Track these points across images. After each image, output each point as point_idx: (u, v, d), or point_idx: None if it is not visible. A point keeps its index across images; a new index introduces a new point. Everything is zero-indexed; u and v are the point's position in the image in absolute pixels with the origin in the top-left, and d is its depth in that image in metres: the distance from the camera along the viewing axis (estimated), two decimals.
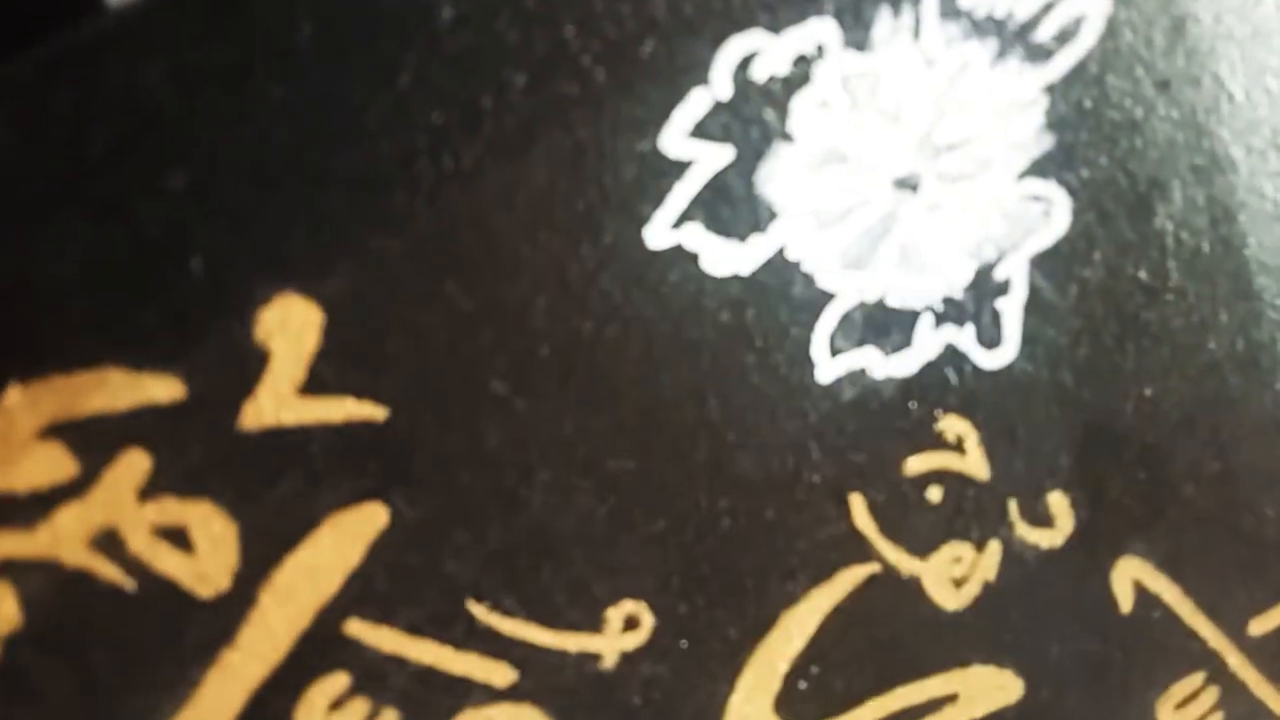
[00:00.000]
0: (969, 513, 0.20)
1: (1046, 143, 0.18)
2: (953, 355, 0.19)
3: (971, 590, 0.21)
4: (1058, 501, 0.21)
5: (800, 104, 0.17)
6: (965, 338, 0.19)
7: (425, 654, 0.19)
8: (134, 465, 0.16)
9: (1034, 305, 0.19)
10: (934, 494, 0.20)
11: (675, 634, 0.20)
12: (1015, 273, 0.19)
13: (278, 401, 0.16)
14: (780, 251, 0.18)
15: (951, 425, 0.20)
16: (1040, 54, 0.18)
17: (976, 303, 0.19)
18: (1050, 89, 0.18)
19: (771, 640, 0.20)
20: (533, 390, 0.17)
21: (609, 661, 0.19)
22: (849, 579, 0.20)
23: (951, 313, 0.19)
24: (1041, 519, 0.21)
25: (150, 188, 0.15)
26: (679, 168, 0.17)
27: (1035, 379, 0.20)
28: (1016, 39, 0.17)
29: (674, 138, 0.16)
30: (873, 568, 0.20)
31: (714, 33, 0.16)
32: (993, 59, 0.17)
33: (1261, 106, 0.19)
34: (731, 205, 0.17)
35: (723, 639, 0.20)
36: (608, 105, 0.16)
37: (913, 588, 0.20)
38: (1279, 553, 0.23)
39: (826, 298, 0.18)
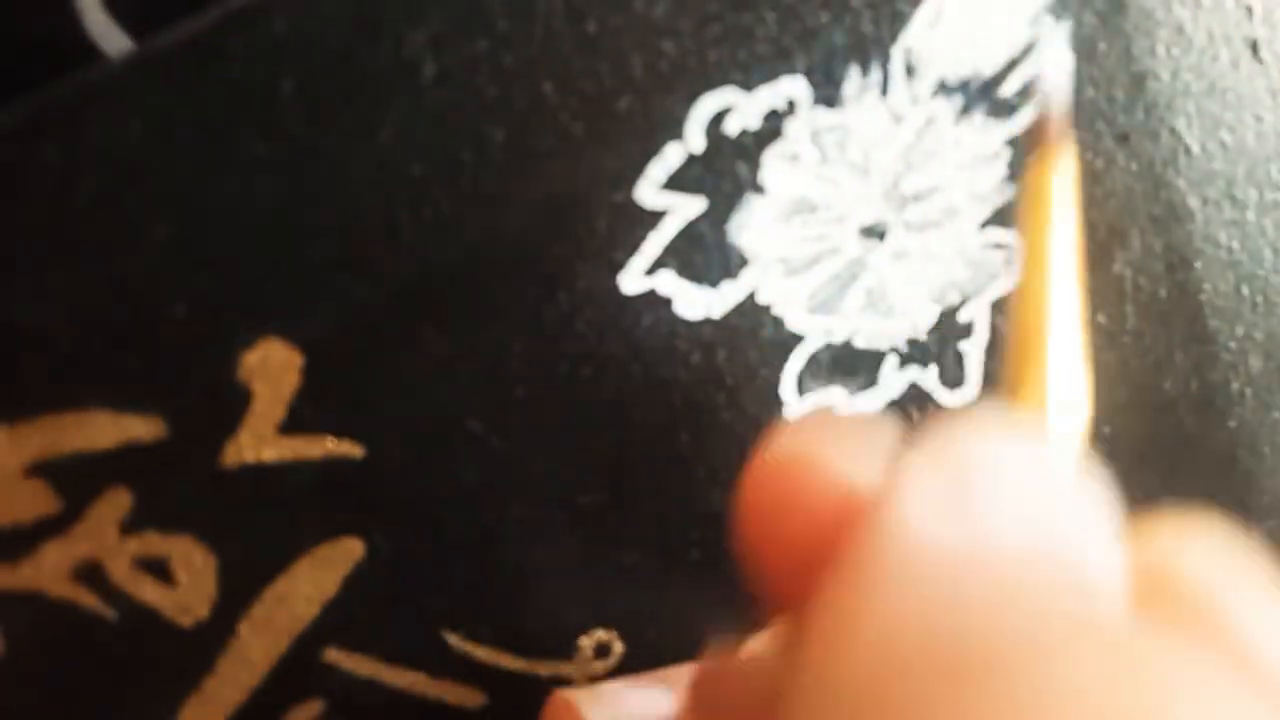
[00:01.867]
0: None
1: (1009, 193, 0.19)
2: (917, 394, 0.20)
3: None
4: None
5: (771, 157, 0.17)
6: (929, 378, 0.20)
7: (399, 680, 0.19)
8: (116, 501, 0.16)
9: (996, 347, 0.20)
10: None
11: (644, 661, 0.20)
12: (978, 316, 0.20)
13: (258, 440, 0.17)
14: (751, 296, 0.18)
15: None
16: (1004, 109, 0.18)
17: (940, 345, 0.20)
18: (1013, 142, 0.18)
19: None
20: (508, 429, 0.18)
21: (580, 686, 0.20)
22: None
23: (916, 354, 0.20)
24: None
25: (135, 237, 0.15)
26: (653, 217, 0.17)
27: None
28: (981, 95, 0.18)
29: (649, 189, 0.17)
30: None
31: (688, 89, 0.17)
32: (958, 114, 0.18)
33: (1217, 159, 0.20)
34: (704, 252, 0.18)
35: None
36: (585, 158, 0.16)
37: None
38: None
39: (795, 339, 0.19)
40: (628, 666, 0.20)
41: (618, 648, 0.20)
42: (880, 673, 0.10)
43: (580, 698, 0.18)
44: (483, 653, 0.19)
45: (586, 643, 0.20)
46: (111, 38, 0.16)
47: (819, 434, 0.12)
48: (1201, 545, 0.12)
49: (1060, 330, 0.13)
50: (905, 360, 0.20)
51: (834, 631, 0.10)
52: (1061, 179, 0.14)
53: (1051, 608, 0.10)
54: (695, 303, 0.18)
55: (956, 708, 0.09)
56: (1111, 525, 0.11)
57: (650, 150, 0.17)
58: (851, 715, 0.10)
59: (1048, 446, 0.12)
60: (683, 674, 0.19)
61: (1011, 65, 0.18)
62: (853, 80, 0.17)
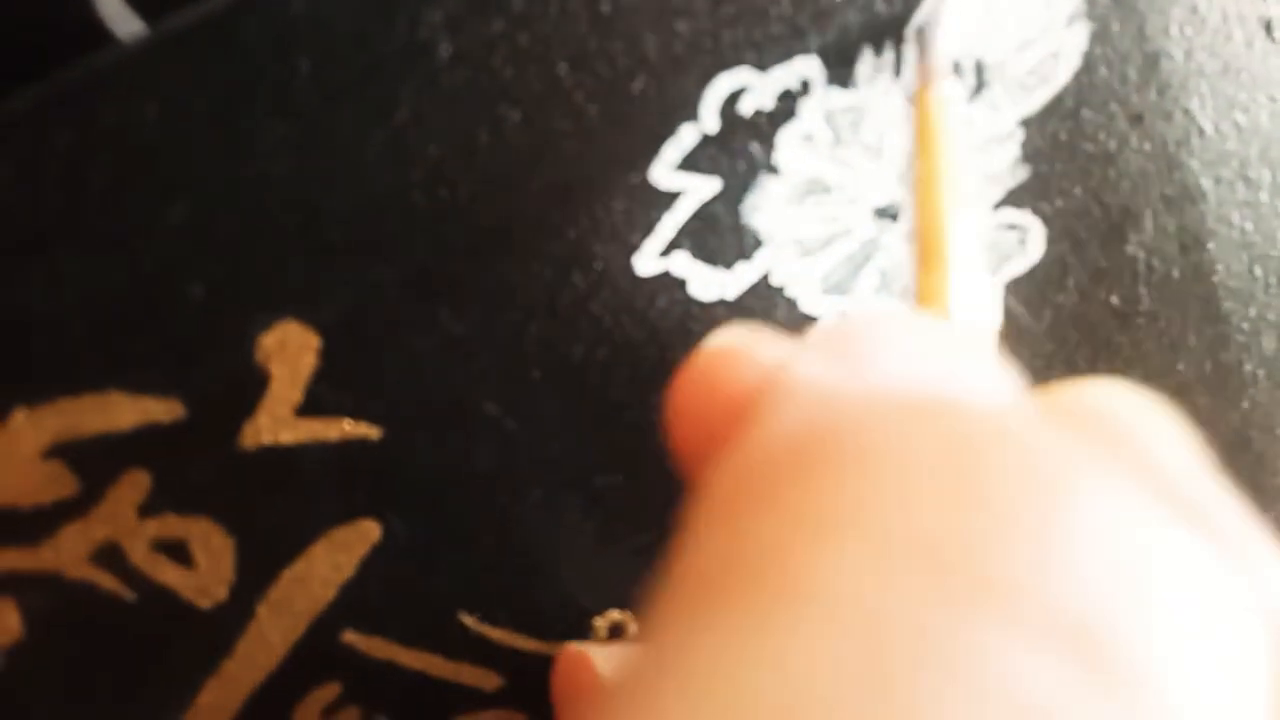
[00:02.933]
0: None
1: (1022, 174, 0.19)
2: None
3: None
4: None
5: (785, 138, 0.17)
6: None
7: (416, 662, 0.19)
8: (135, 483, 0.17)
9: (1009, 329, 0.20)
10: None
11: None
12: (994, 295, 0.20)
13: (276, 422, 0.17)
14: (765, 277, 0.18)
15: None
16: (1017, 89, 0.18)
17: None
18: (1027, 123, 0.18)
19: None
20: (524, 411, 0.18)
21: None
22: None
23: None
24: None
25: (151, 220, 0.15)
26: (668, 198, 0.17)
27: None
28: (994, 75, 0.18)
29: (663, 170, 0.17)
30: None
31: (702, 70, 0.17)
32: (971, 95, 0.18)
33: (1230, 139, 0.20)
34: (718, 234, 0.18)
35: None
36: (599, 139, 0.16)
37: None
38: None
39: (809, 321, 0.19)
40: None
41: (632, 629, 0.20)
42: (748, 472, 0.10)
43: (593, 650, 0.19)
44: (499, 634, 0.19)
45: (601, 624, 0.20)
46: (124, 21, 0.16)
47: (743, 336, 0.13)
48: (1121, 391, 0.12)
49: (958, 245, 0.14)
50: None
51: (721, 460, 0.11)
52: (942, 110, 0.15)
53: (927, 412, 0.10)
54: (709, 284, 0.18)
55: (813, 488, 0.10)
56: (1010, 381, 0.11)
57: (665, 131, 0.17)
58: (721, 512, 0.10)
59: (943, 325, 0.12)
60: None
61: (1025, 44, 0.18)
62: (866, 60, 0.17)
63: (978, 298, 0.14)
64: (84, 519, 0.16)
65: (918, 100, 0.15)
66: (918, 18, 0.16)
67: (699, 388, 0.13)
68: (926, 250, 0.14)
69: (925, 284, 0.14)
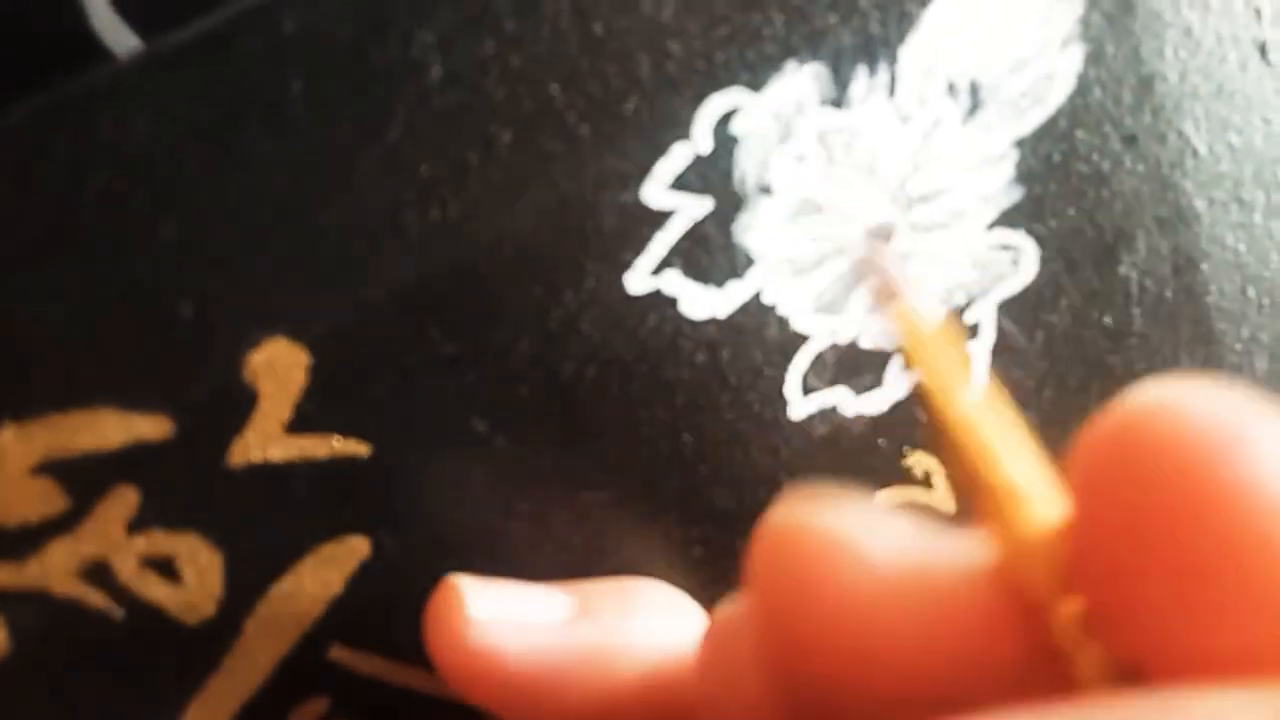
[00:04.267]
0: None
1: (1016, 194, 0.19)
2: (923, 395, 0.20)
3: None
4: None
5: (778, 158, 0.17)
6: None
7: (404, 677, 0.19)
8: (124, 500, 0.16)
9: (1002, 349, 0.20)
10: None
11: None
12: (984, 318, 0.20)
13: (265, 439, 0.17)
14: (756, 296, 0.18)
15: (919, 461, 0.20)
16: (1011, 110, 0.18)
17: None
18: (1021, 143, 0.18)
19: None
20: (513, 428, 0.18)
21: None
22: None
23: None
24: None
25: (142, 236, 0.15)
26: (659, 217, 0.17)
27: None
28: (988, 96, 0.18)
29: (655, 189, 0.17)
30: None
31: (695, 90, 0.17)
32: (965, 115, 0.18)
33: (1224, 161, 0.20)
34: (710, 253, 0.18)
35: None
36: (591, 159, 0.16)
37: None
38: None
39: (800, 340, 0.19)
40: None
41: None
42: None
43: (468, 583, 0.18)
44: None
45: None
46: (119, 36, 0.16)
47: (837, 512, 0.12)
48: None
49: (1008, 450, 0.13)
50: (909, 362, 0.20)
51: None
52: (923, 325, 0.14)
53: None
54: (700, 303, 0.18)
55: None
56: None
57: (657, 151, 0.17)
58: None
59: None
60: (593, 589, 0.19)
61: (1020, 65, 0.18)
62: (860, 80, 0.17)
63: (1048, 495, 0.12)
64: (72, 535, 0.16)
65: (898, 328, 0.15)
66: (862, 249, 0.16)
67: (789, 584, 0.11)
68: (976, 469, 0.13)
69: (997, 522, 0.12)
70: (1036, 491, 0.12)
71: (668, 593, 0.19)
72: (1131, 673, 0.10)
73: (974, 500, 0.13)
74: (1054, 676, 0.11)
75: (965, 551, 0.12)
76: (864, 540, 0.11)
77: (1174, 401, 0.10)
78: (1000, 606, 0.11)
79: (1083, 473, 0.10)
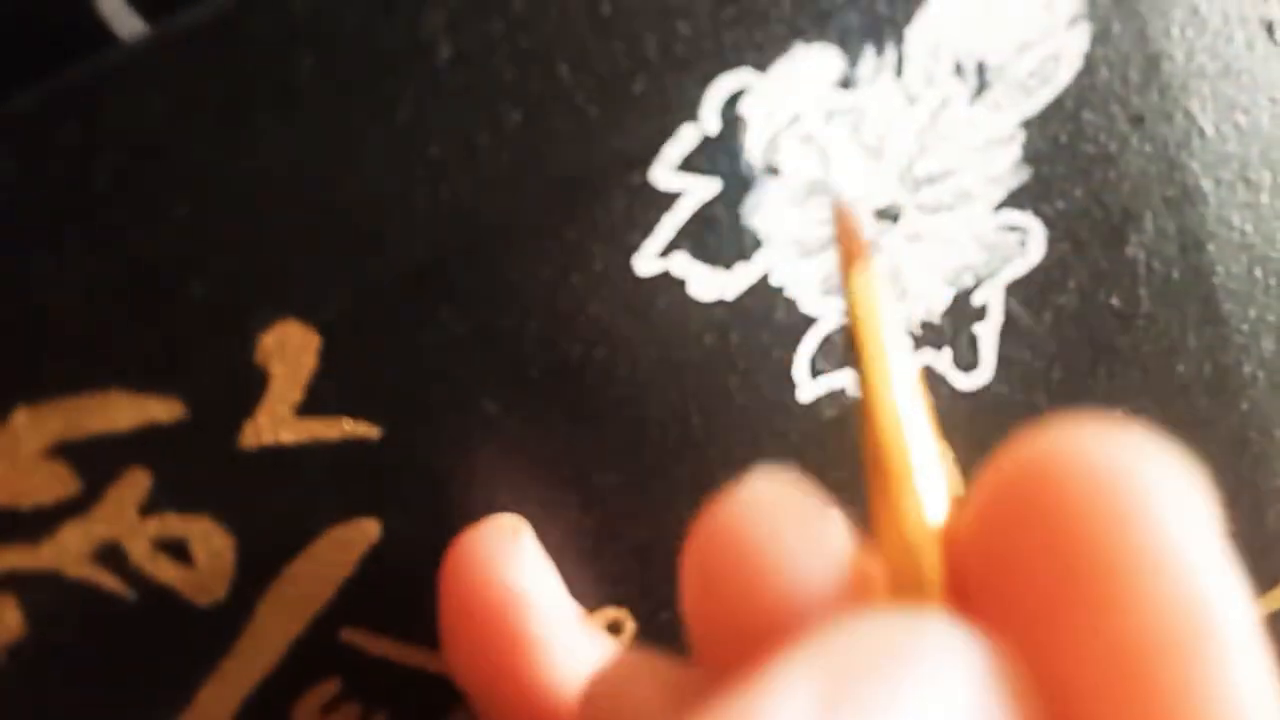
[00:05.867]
0: None
1: (1023, 175, 0.19)
2: (930, 377, 0.20)
3: None
4: None
5: (786, 139, 0.17)
6: (943, 361, 0.20)
7: (415, 658, 0.19)
8: (136, 482, 0.17)
9: (1010, 330, 0.20)
10: None
11: (656, 640, 0.20)
12: (992, 299, 0.20)
13: (276, 421, 0.17)
14: (764, 278, 0.18)
15: None
16: (1018, 91, 0.18)
17: (954, 328, 0.20)
18: (1028, 124, 0.18)
19: None
20: (523, 410, 0.18)
21: None
22: None
23: (930, 337, 0.20)
24: None
25: (152, 219, 0.15)
26: (668, 199, 0.17)
27: (1010, 401, 0.20)
28: (995, 77, 0.18)
29: (663, 171, 0.17)
30: None
31: (703, 71, 0.17)
32: (972, 96, 0.18)
33: (1231, 141, 0.20)
34: (718, 235, 0.18)
35: None
36: (600, 140, 0.16)
37: None
38: (1241, 563, 0.23)
39: (808, 322, 0.19)
40: (639, 645, 0.20)
41: (629, 626, 0.20)
42: None
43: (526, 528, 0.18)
44: None
45: (599, 621, 0.20)
46: (125, 21, 0.16)
47: (774, 519, 0.12)
48: None
49: (916, 443, 0.13)
50: (919, 343, 0.20)
51: None
52: (875, 294, 0.14)
53: None
54: (709, 285, 0.18)
55: None
56: None
57: (665, 132, 0.17)
58: None
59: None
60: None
61: (1026, 46, 0.18)
62: (867, 60, 0.17)
63: (939, 504, 0.13)
64: (85, 518, 0.16)
65: (847, 287, 0.15)
66: (836, 188, 0.16)
67: (716, 568, 0.12)
68: (881, 478, 0.13)
69: (883, 504, 0.13)
70: (931, 488, 0.13)
71: None
72: None
73: (870, 478, 0.13)
74: None
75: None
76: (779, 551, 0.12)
77: (1085, 443, 0.11)
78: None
79: (991, 486, 0.11)
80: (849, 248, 0.15)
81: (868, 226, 0.15)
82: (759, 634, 0.12)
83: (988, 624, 0.11)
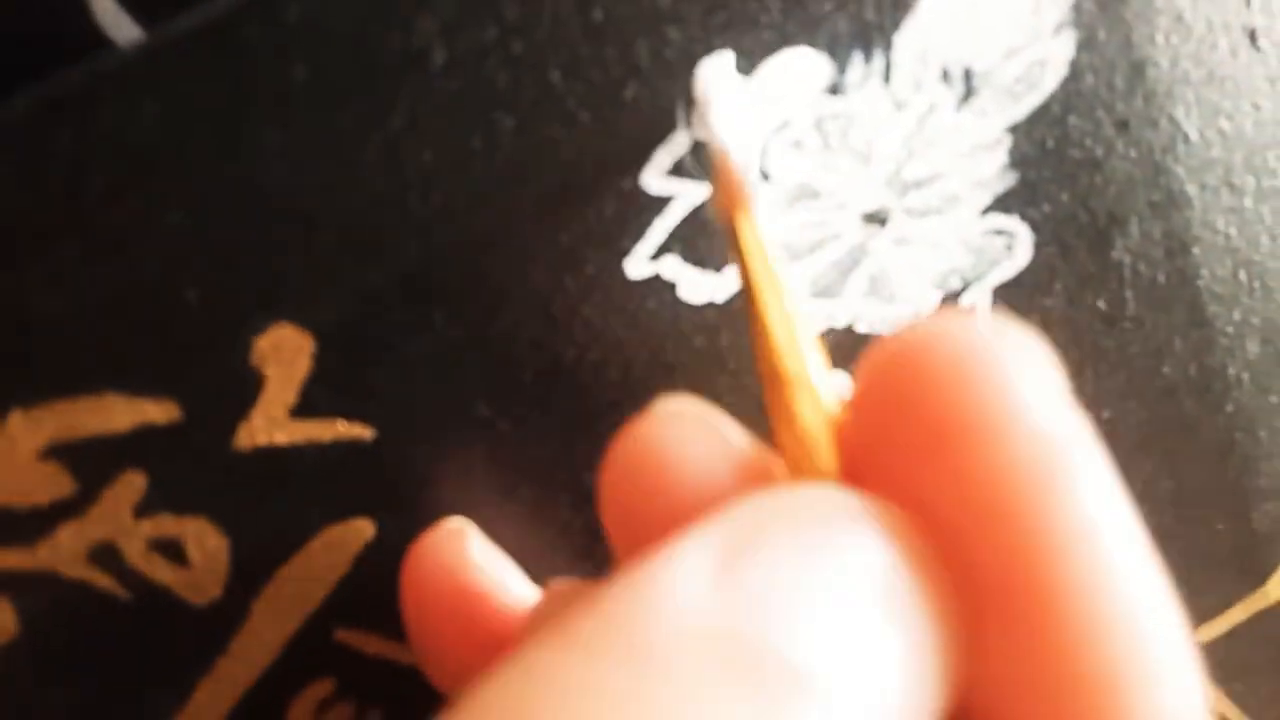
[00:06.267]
0: None
1: (1010, 180, 0.19)
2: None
3: None
4: None
5: (775, 144, 0.18)
6: None
7: (409, 657, 0.19)
8: (131, 484, 0.17)
9: None
10: None
11: None
12: (979, 302, 0.20)
13: (270, 423, 0.17)
14: None
15: None
16: (1005, 96, 0.18)
17: None
18: (1014, 129, 0.19)
19: None
20: (516, 412, 0.18)
21: None
22: None
23: None
24: None
25: (147, 223, 0.15)
26: (659, 203, 0.17)
27: None
28: (982, 83, 0.18)
29: (655, 175, 0.17)
30: None
31: (694, 77, 0.17)
32: (959, 102, 0.18)
33: (1215, 146, 0.20)
34: (708, 238, 0.18)
35: None
36: (592, 145, 0.17)
37: None
38: (1227, 566, 0.24)
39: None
40: None
41: None
42: None
43: (470, 527, 0.19)
44: None
45: None
46: (121, 26, 0.16)
47: (678, 427, 0.13)
48: None
49: (803, 349, 0.14)
50: None
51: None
52: (759, 235, 0.15)
53: None
54: (700, 287, 0.18)
55: None
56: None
57: (656, 137, 0.17)
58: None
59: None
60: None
61: (1013, 52, 0.18)
62: (856, 66, 0.17)
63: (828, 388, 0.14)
64: (80, 519, 0.17)
65: (731, 231, 0.15)
66: (706, 131, 0.16)
67: (627, 481, 0.13)
68: (776, 385, 0.14)
69: (778, 407, 0.14)
70: (818, 388, 0.14)
71: None
72: None
73: (766, 389, 0.14)
74: None
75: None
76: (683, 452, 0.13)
77: (948, 330, 0.12)
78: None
79: (866, 378, 0.13)
80: (730, 192, 0.16)
81: (748, 173, 0.15)
82: (665, 526, 0.12)
83: (871, 492, 0.12)
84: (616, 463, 0.13)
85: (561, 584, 0.17)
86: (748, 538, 0.11)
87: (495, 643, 0.18)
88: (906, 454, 0.12)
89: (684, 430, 0.13)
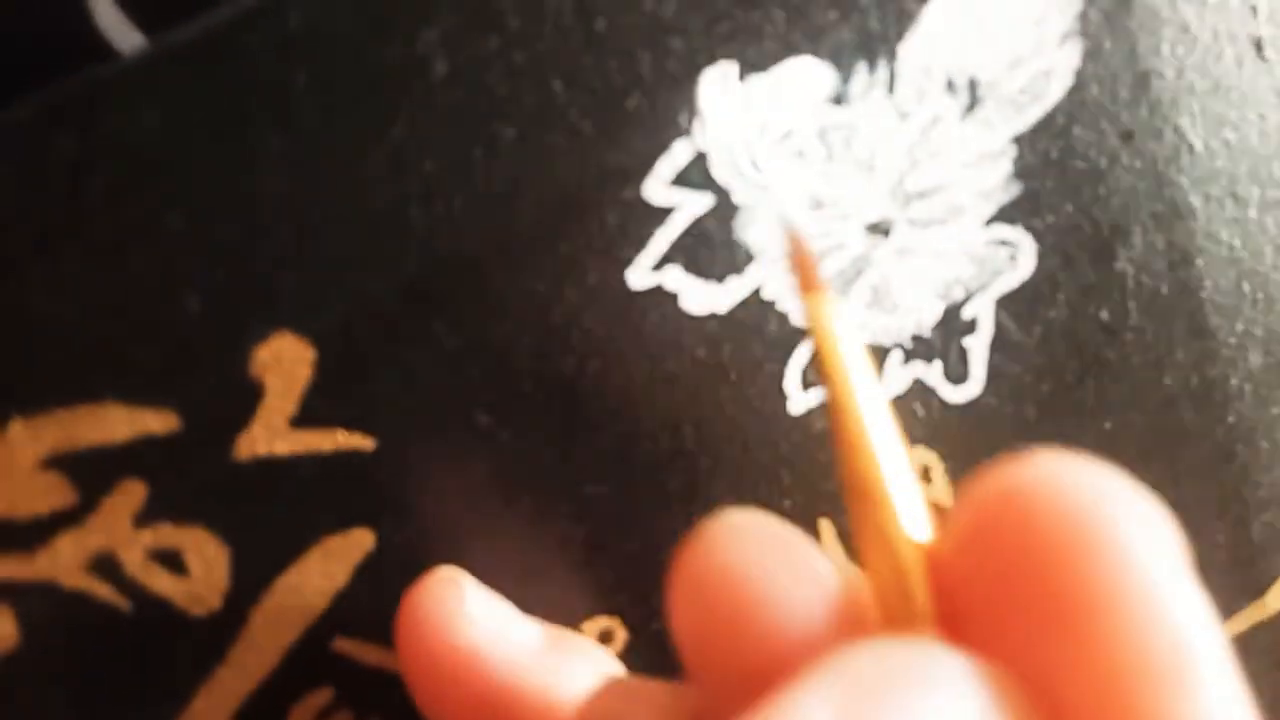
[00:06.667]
0: None
1: (1014, 190, 0.19)
2: (921, 390, 0.20)
3: None
4: None
5: (778, 154, 0.18)
6: (933, 373, 0.20)
7: None
8: (131, 493, 0.17)
9: (999, 343, 0.20)
10: None
11: (647, 649, 0.20)
12: (982, 312, 0.20)
13: (270, 433, 0.17)
14: (756, 292, 0.18)
15: (918, 456, 0.21)
16: (1009, 107, 0.18)
17: (944, 341, 0.20)
18: (1018, 140, 0.19)
19: None
20: (516, 422, 0.18)
21: None
22: None
23: (920, 350, 0.20)
24: None
25: (148, 231, 0.15)
26: (661, 213, 0.17)
27: (999, 413, 0.20)
28: (987, 93, 0.18)
29: (656, 186, 0.17)
30: None
31: (696, 87, 0.17)
32: (963, 112, 0.18)
33: (1219, 157, 0.20)
34: (710, 249, 0.18)
35: None
36: (593, 156, 0.17)
37: None
38: (1226, 576, 0.24)
39: (800, 335, 0.19)
40: (630, 654, 0.20)
41: (620, 635, 0.20)
42: None
43: (466, 579, 0.18)
44: None
45: (590, 630, 0.20)
46: (123, 34, 0.16)
47: (759, 549, 0.13)
48: None
49: (892, 469, 0.13)
50: (909, 356, 0.20)
51: None
52: (837, 323, 0.14)
53: None
54: (701, 298, 0.18)
55: None
56: None
57: (659, 147, 0.17)
58: None
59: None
60: (561, 633, 0.19)
61: (1017, 63, 0.18)
62: (860, 77, 0.17)
63: (920, 520, 0.13)
64: (80, 528, 0.17)
65: (808, 315, 0.15)
66: (782, 217, 0.16)
67: (703, 606, 0.13)
68: (866, 505, 0.13)
69: (867, 531, 0.13)
70: (909, 511, 0.13)
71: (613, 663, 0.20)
72: None
73: (851, 505, 0.13)
74: None
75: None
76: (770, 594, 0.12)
77: (1057, 476, 0.11)
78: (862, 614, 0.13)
79: (968, 516, 0.12)
80: (805, 276, 0.15)
81: (818, 252, 0.15)
82: (755, 660, 0.12)
83: (978, 647, 0.12)
84: (692, 581, 0.13)
85: (615, 683, 0.16)
86: (866, 703, 0.11)
87: (502, 700, 0.18)
88: (1018, 614, 0.12)
89: (767, 555, 0.13)
